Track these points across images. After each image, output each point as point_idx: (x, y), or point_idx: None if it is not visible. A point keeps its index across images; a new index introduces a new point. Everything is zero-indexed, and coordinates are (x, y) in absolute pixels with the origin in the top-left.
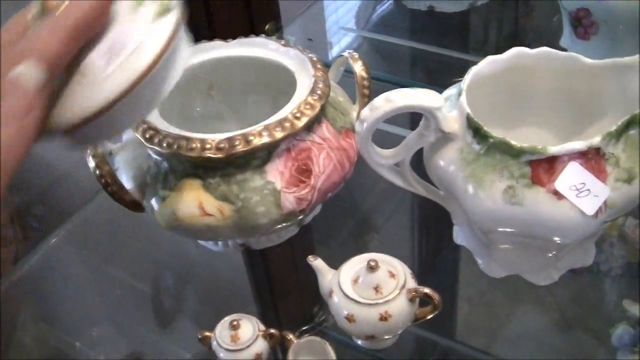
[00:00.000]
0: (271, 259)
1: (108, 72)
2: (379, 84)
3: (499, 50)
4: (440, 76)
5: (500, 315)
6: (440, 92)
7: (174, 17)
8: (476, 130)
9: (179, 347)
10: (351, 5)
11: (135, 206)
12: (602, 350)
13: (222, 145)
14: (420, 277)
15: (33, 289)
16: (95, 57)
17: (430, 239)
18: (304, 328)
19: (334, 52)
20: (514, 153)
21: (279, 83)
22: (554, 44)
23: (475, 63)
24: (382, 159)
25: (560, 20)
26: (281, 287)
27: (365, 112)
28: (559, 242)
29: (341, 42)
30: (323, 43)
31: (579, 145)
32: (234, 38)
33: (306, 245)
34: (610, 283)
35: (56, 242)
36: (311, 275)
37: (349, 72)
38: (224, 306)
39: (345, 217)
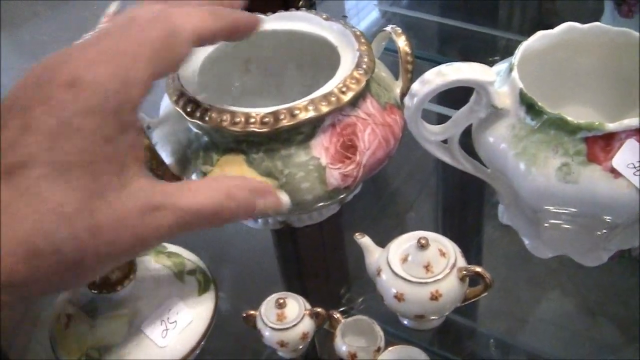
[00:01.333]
0: (303, 238)
1: (165, 344)
2: None
3: (532, 28)
4: (471, 53)
5: (527, 301)
6: None
7: (213, 291)
8: (529, 106)
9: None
10: None
11: (176, 181)
12: (630, 337)
13: (266, 119)
14: None
15: None
16: (151, 329)
17: (468, 218)
18: (341, 309)
19: (364, 28)
20: (570, 129)
21: (320, 58)
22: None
23: (507, 40)
24: (431, 135)
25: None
26: (313, 267)
27: (416, 86)
28: (611, 221)
29: (371, 18)
30: (356, 20)
31: (636, 122)
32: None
33: (339, 225)
34: None
35: None
36: (342, 256)
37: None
38: (256, 285)
39: (380, 196)
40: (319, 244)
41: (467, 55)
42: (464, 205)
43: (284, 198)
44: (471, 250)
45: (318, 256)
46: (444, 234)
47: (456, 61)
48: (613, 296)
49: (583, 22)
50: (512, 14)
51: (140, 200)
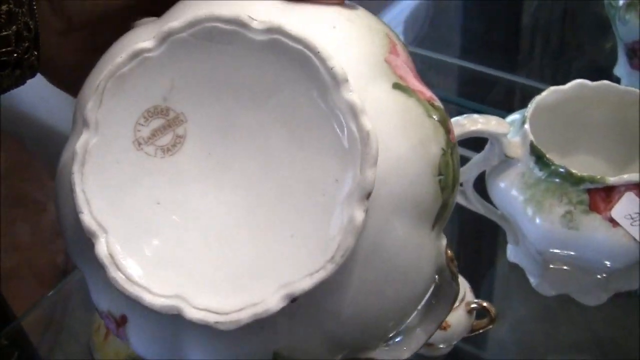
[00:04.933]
0: None
1: None
2: None
3: (552, 72)
4: (489, 95)
5: (536, 333)
6: (488, 111)
7: None
8: (538, 157)
9: None
10: (400, 22)
11: None
12: None
13: None
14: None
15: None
16: None
17: (481, 255)
18: None
19: None
20: (574, 181)
21: None
22: (608, 71)
23: (524, 85)
24: None
25: (613, 47)
26: None
27: None
28: (609, 266)
29: None
30: None
31: (635, 177)
32: None
33: None
34: None
35: None
36: None
37: None
38: None
39: None
40: None
41: (485, 98)
42: (477, 241)
43: None
44: (485, 281)
45: None
46: (459, 267)
47: (475, 104)
48: (622, 331)
49: (598, 69)
50: (532, 61)
51: None
